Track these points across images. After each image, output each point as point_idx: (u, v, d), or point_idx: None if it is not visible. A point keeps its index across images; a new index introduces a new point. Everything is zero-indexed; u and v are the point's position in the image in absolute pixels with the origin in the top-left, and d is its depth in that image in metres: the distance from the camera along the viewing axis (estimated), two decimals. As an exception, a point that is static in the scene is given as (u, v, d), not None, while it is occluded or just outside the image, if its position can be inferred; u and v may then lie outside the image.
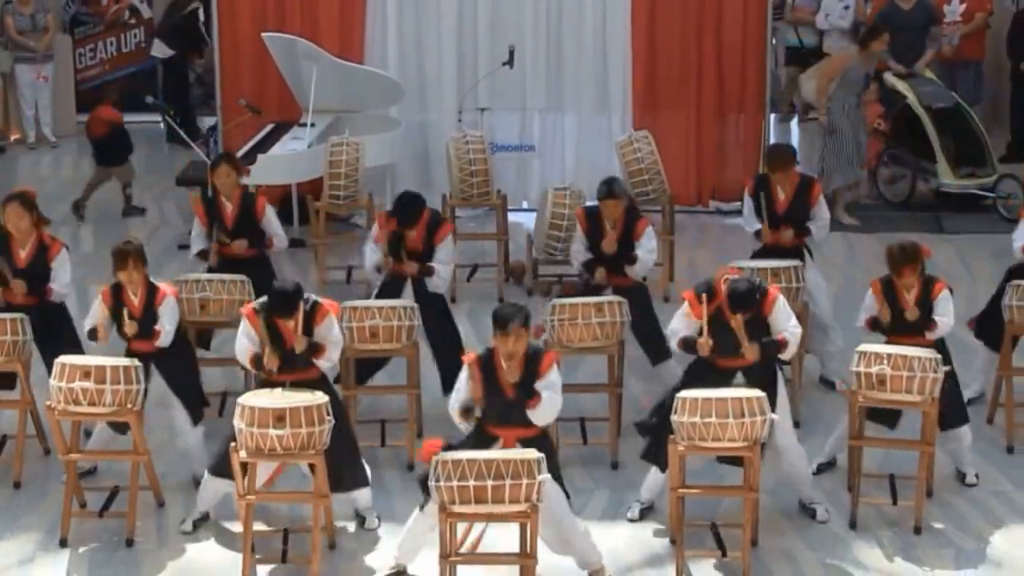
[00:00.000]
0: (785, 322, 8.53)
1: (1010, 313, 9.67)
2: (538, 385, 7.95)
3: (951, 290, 9.08)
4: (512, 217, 13.02)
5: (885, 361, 8.52)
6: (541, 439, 8.01)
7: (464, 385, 8.05)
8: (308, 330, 8.45)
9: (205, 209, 10.47)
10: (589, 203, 10.63)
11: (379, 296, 10.06)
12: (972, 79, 15.68)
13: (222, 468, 8.38)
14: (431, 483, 7.58)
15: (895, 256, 8.92)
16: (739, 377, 8.50)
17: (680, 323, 8.65)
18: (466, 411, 8.01)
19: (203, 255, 10.44)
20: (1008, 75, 15.65)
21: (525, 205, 14.09)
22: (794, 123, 17.64)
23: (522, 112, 14.16)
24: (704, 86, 13.99)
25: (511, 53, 13.42)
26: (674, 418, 8.08)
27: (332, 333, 8.53)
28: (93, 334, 8.94)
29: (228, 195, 10.39)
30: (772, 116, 14.48)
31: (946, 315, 8.95)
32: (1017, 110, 15.58)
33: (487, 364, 8.00)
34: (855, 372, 8.62)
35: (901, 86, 14.35)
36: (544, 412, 7.98)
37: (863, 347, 8.68)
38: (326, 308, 8.53)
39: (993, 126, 15.69)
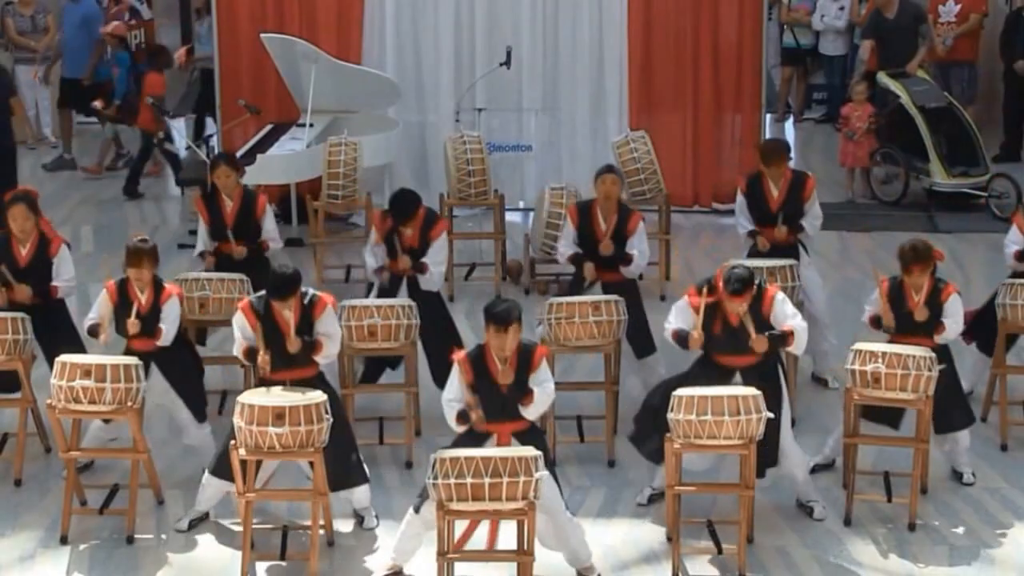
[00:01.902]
0: (789, 317, 8.54)
1: (1003, 312, 9.72)
2: (531, 381, 8.01)
3: (960, 294, 9.06)
4: (509, 216, 13.08)
5: (880, 359, 8.56)
6: (534, 431, 8.10)
7: (456, 385, 8.05)
8: (308, 323, 8.48)
9: (206, 206, 10.56)
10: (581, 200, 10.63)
11: (377, 295, 10.12)
12: (966, 79, 15.76)
13: (222, 468, 8.41)
14: (428, 480, 7.63)
15: (906, 254, 8.89)
16: (737, 377, 8.53)
17: (676, 315, 8.68)
18: (461, 417, 8.00)
19: (203, 256, 10.53)
20: (1001, 75, 15.73)
21: (522, 205, 14.15)
22: (789, 123, 17.73)
23: (519, 112, 14.21)
24: (700, 86, 14.04)
25: (508, 54, 13.47)
26: (670, 416, 8.12)
27: (331, 327, 8.57)
28: (95, 330, 8.99)
29: (229, 194, 10.47)
30: (768, 116, 14.52)
31: (955, 319, 8.92)
32: (1010, 110, 15.65)
33: (478, 362, 8.02)
34: (850, 370, 8.66)
35: (894, 86, 14.43)
36: (538, 407, 8.05)
37: (858, 345, 8.71)
38: (324, 301, 8.56)
39: (987, 126, 15.78)
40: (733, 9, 13.90)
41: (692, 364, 8.83)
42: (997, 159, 15.20)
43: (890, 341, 8.96)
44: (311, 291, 8.62)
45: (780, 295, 8.64)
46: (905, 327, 8.95)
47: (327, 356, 8.58)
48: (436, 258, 10.04)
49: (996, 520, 8.84)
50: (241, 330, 8.58)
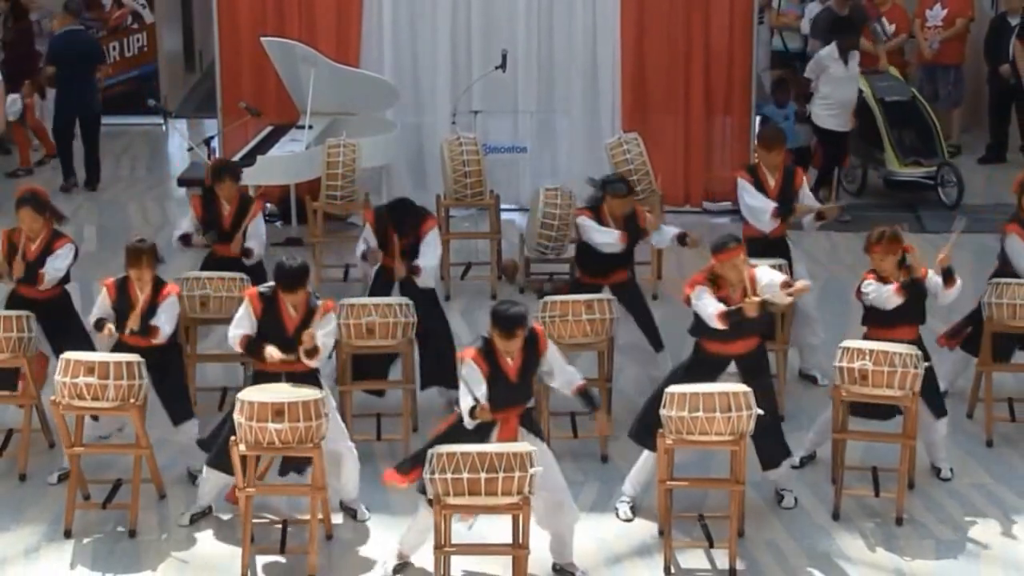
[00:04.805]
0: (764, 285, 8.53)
1: (989, 310, 9.82)
2: (552, 370, 8.23)
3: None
4: (504, 216, 13.16)
5: (867, 356, 8.67)
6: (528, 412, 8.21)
7: (471, 383, 7.90)
8: (308, 323, 8.46)
9: (203, 205, 10.63)
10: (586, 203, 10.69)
11: (372, 293, 10.20)
12: (952, 82, 15.88)
13: (219, 461, 8.51)
14: (426, 476, 7.72)
15: (870, 238, 9.05)
16: (732, 366, 8.67)
17: (708, 301, 8.57)
18: (472, 413, 7.90)
19: (185, 239, 10.62)
20: (986, 78, 15.86)
21: (517, 205, 14.24)
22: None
23: (514, 114, 14.27)
24: (691, 89, 14.14)
25: (504, 57, 13.55)
26: (662, 412, 8.23)
27: (328, 329, 8.53)
28: (100, 324, 8.98)
29: (228, 199, 10.59)
30: (757, 118, 14.65)
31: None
32: (995, 112, 15.79)
33: (489, 356, 7.97)
34: (838, 367, 8.77)
35: (860, 82, 14.58)
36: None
37: (846, 343, 8.81)
38: (329, 305, 8.55)
39: (973, 128, 15.96)
40: (724, 14, 14.00)
41: (687, 357, 8.95)
42: (983, 160, 15.42)
43: (867, 336, 9.04)
44: (317, 295, 8.64)
45: (762, 270, 8.65)
46: (890, 316, 9.03)
47: (320, 360, 8.51)
48: (428, 255, 10.07)
49: (982, 515, 8.96)
50: (247, 318, 8.54)
